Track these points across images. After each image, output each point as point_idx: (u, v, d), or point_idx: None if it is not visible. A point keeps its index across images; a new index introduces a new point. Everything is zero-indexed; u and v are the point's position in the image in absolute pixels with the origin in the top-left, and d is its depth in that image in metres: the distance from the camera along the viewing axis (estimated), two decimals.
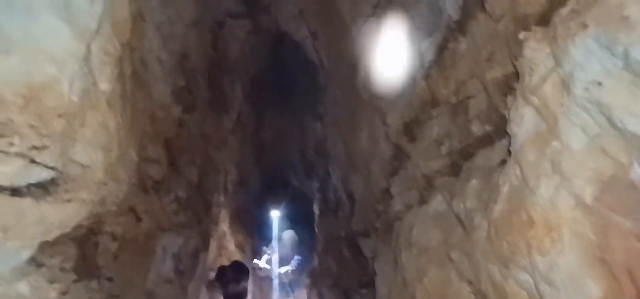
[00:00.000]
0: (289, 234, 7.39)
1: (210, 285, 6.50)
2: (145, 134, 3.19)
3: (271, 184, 8.44)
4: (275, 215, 7.62)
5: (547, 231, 1.54)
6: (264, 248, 7.47)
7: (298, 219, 7.69)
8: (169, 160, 3.63)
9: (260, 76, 8.10)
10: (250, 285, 6.71)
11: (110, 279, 2.93)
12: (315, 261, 5.61)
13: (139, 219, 3.30)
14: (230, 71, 6.41)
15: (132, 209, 3.21)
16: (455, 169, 2.43)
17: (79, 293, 2.15)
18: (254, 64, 7.72)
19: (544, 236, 1.54)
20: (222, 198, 6.48)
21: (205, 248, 4.78)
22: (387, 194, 3.22)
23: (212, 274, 6.78)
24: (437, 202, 2.47)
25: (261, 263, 7.14)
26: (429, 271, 2.27)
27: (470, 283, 2.01)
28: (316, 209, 6.54)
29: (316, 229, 6.39)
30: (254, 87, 7.91)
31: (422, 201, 2.60)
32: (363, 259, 4.10)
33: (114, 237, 2.95)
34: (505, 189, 1.80)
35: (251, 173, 8.28)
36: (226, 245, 7.13)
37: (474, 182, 2.16)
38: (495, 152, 2.17)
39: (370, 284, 3.96)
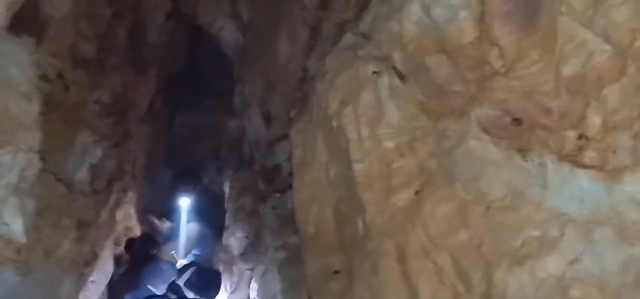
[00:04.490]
0: (193, 226, 7.42)
1: (117, 258, 6.29)
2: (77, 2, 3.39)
3: (180, 180, 8.47)
4: (183, 206, 7.64)
5: None
6: (168, 241, 7.37)
7: (205, 214, 7.75)
8: (99, 53, 3.81)
9: (175, 74, 8.36)
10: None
11: None
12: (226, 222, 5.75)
13: (67, 88, 3.42)
14: (149, 51, 6.63)
15: (60, 75, 3.34)
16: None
17: None
18: (170, 59, 8.01)
19: None
20: (131, 179, 6.45)
21: (118, 178, 4.78)
22: (303, 80, 3.69)
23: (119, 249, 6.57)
24: (347, 38, 2.99)
25: (166, 255, 7.03)
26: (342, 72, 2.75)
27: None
28: (226, 187, 6.70)
29: (226, 204, 6.50)
30: (168, 84, 8.14)
31: (335, 44, 3.11)
32: (279, 175, 4.43)
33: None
34: None
35: (160, 169, 8.30)
36: (133, 228, 6.97)
37: None
38: None
39: (286, 190, 4.27)
